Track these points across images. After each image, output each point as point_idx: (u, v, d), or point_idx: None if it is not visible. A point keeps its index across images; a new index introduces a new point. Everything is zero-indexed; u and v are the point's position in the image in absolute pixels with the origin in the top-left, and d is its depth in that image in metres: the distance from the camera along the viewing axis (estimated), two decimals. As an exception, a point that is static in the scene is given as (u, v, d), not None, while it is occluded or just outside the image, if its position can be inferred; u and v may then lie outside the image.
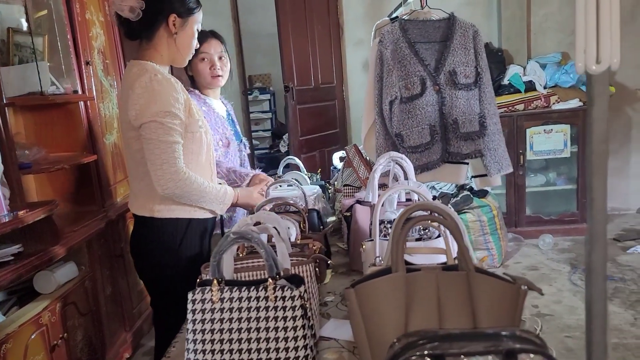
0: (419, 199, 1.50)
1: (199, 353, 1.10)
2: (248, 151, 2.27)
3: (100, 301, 2.39)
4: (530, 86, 4.05)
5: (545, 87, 4.07)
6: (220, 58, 2.07)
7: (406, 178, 1.85)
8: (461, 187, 3.61)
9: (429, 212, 1.08)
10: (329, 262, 1.30)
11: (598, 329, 0.96)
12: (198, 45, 1.75)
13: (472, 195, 3.61)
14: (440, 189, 3.74)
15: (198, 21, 1.71)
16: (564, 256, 3.75)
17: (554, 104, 4.02)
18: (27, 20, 2.11)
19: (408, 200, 1.85)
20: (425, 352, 0.78)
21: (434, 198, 3.63)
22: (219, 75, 2.06)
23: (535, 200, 4.22)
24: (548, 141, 4.03)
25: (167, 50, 1.67)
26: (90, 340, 2.25)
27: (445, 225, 1.02)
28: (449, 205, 3.59)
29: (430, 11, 2.19)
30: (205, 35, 2.01)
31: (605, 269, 0.96)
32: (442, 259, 1.17)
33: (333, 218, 2.28)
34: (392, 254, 1.01)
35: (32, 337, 1.83)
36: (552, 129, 4.01)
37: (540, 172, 4.24)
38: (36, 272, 1.97)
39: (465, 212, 3.62)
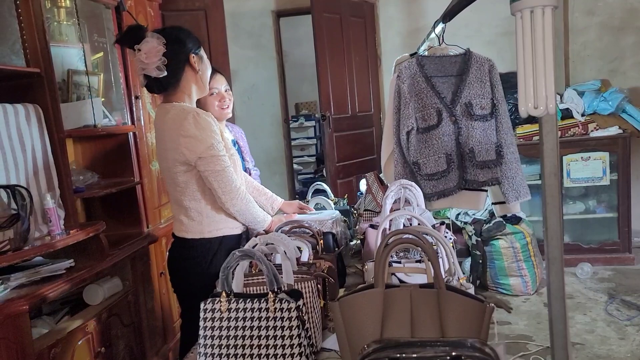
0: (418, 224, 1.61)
1: (209, 356, 1.26)
2: (256, 176, 2.43)
3: (142, 314, 2.60)
4: (567, 114, 4.05)
5: (583, 115, 4.06)
6: (226, 91, 2.18)
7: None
8: (494, 214, 3.64)
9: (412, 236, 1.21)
10: (327, 279, 1.43)
11: (559, 346, 1.05)
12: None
13: (504, 222, 3.63)
14: (473, 214, 3.78)
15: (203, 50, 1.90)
16: (603, 285, 3.68)
17: (592, 131, 4.00)
18: (85, 62, 2.40)
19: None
20: (385, 355, 0.92)
21: (464, 224, 3.68)
22: (227, 107, 2.18)
23: (575, 227, 4.17)
24: (586, 168, 4.00)
25: (194, 88, 1.86)
26: (131, 350, 2.46)
27: (422, 248, 1.15)
28: (482, 231, 3.63)
29: (447, 47, 2.31)
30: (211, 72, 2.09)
31: (563, 291, 1.05)
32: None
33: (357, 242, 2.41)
34: (375, 272, 1.14)
35: (79, 343, 2.05)
36: (589, 156, 3.98)
37: (579, 200, 4.20)
38: (85, 285, 2.20)
39: (498, 239, 3.64)
